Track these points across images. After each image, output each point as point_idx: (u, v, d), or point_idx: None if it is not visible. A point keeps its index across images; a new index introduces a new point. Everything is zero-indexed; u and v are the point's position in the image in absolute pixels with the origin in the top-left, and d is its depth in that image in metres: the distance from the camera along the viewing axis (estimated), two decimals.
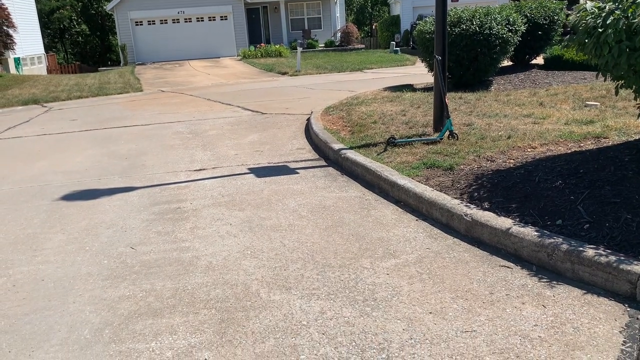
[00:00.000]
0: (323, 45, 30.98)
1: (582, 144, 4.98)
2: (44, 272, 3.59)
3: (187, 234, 4.13)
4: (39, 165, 6.79)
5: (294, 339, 2.64)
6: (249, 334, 2.71)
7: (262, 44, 28.31)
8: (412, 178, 4.62)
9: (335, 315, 2.83)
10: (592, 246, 3.03)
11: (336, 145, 6.10)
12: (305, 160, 6.21)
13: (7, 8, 20.85)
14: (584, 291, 2.89)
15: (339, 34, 31.65)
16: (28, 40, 25.00)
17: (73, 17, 45.20)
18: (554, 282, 3.01)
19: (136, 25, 29.22)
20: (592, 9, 3.80)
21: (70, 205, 5.04)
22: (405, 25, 32.02)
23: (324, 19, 33.22)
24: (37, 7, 29.25)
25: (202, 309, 2.98)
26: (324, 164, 6.01)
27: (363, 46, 31.68)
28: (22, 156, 7.47)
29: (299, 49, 21.82)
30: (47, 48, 33.68)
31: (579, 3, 4.07)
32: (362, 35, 41.52)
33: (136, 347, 2.66)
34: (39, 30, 28.51)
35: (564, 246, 3.08)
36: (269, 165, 6.06)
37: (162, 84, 17.67)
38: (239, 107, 10.90)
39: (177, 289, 3.23)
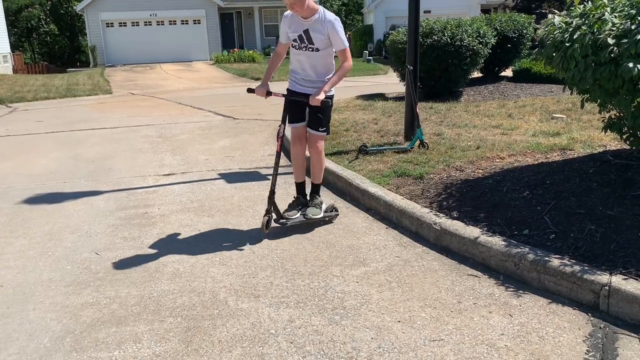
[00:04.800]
0: None
1: (548, 156, 5.08)
2: (4, 278, 3.47)
3: (154, 239, 4.04)
4: (1, 167, 6.59)
5: (261, 348, 2.61)
6: (216, 342, 2.66)
7: (235, 49, 28.19)
8: (383, 186, 4.63)
9: (304, 323, 2.80)
10: (557, 256, 3.09)
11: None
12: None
13: None
14: (550, 300, 2.93)
15: None
16: None
17: (41, 17, 44.23)
18: (521, 292, 3.05)
19: (107, 26, 28.75)
20: (559, 23, 3.89)
21: (33, 209, 4.89)
22: (378, 35, 32.35)
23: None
24: (3, 5, 28.51)
25: (168, 317, 2.92)
26: None
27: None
28: None
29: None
30: (14, 47, 32.83)
31: (547, 18, 4.15)
32: None
33: (98, 356, 2.58)
34: (5, 29, 27.74)
35: (531, 256, 3.12)
36: (240, 171, 6.01)
37: (132, 86, 17.41)
38: (211, 111, 10.81)
39: (142, 296, 3.16)
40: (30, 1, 43.20)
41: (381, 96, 11.15)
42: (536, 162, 4.86)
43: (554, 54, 3.89)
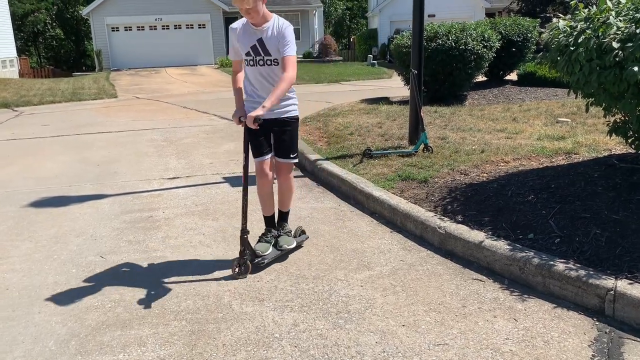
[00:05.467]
0: (301, 56, 31.05)
1: (553, 160, 5.07)
2: (9, 281, 3.48)
3: (159, 243, 4.06)
4: (7, 171, 6.62)
5: (265, 351, 2.61)
6: (220, 346, 2.67)
7: None
8: (388, 190, 4.63)
9: (308, 327, 2.80)
10: (562, 260, 3.08)
11: (313, 156, 6.10)
12: None
13: None
14: (555, 305, 2.92)
15: (317, 46, 31.80)
16: None
17: (47, 21, 44.49)
18: (526, 296, 3.04)
19: (112, 30, 28.90)
20: (564, 27, 3.89)
21: (39, 212, 4.91)
22: (382, 38, 32.37)
23: (303, 30, 33.37)
24: (10, 9, 28.70)
25: (172, 320, 2.93)
26: (300, 174, 5.99)
27: (341, 58, 31.88)
28: None
29: None
30: (20, 51, 33.04)
31: (552, 22, 4.15)
32: (340, 47, 41.82)
33: (103, 359, 2.59)
34: (12, 33, 27.93)
35: (535, 260, 3.11)
36: None
37: (137, 90, 17.47)
38: (216, 115, 10.84)
39: (147, 300, 3.16)
40: (37, 6, 43.47)
41: (385, 100, 11.15)
42: (541, 166, 4.85)
43: (558, 58, 3.88)
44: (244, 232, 3.44)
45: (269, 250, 3.63)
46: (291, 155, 3.62)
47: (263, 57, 3.39)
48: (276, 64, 3.39)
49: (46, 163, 7.01)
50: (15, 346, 2.73)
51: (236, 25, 3.45)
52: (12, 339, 2.79)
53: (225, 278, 3.41)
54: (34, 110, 13.28)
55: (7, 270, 3.66)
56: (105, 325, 2.90)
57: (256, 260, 3.52)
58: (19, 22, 40.03)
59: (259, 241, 3.69)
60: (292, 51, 3.34)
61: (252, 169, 3.45)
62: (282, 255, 3.71)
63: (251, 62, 3.42)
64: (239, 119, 3.43)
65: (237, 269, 3.41)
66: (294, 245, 3.77)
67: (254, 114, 3.19)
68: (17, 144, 8.58)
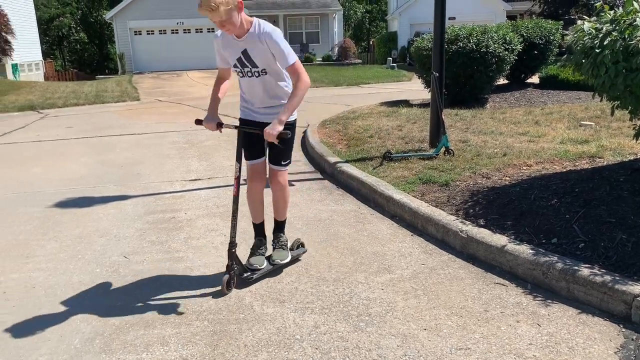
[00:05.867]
0: (320, 59, 31.15)
1: (577, 163, 5.00)
2: (36, 280, 3.55)
3: (181, 244, 4.10)
4: (33, 172, 6.75)
5: (287, 353, 2.62)
6: (242, 347, 2.68)
7: None
8: (408, 193, 4.62)
9: (329, 329, 2.81)
10: (587, 265, 3.03)
11: (332, 159, 6.11)
12: (301, 173, 6.21)
13: (6, 14, 20.89)
14: (579, 310, 2.88)
15: (336, 49, 31.85)
16: (26, 46, 25.01)
17: (72, 25, 45.32)
18: (549, 301, 3.01)
19: (135, 34, 29.31)
20: (589, 29, 3.84)
21: (64, 213, 5.00)
22: (402, 41, 32.30)
23: (322, 33, 33.46)
24: (36, 14, 29.31)
25: (195, 320, 2.95)
26: (320, 177, 6.01)
27: (360, 61, 31.89)
28: (16, 162, 7.43)
29: None
30: (45, 55, 33.70)
31: (575, 24, 4.10)
32: (360, 50, 41.81)
33: (127, 358, 2.63)
34: (38, 37, 28.53)
35: (559, 265, 3.08)
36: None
37: (159, 93, 17.69)
38: (236, 118, 10.89)
39: (169, 300, 3.20)
40: (62, 10, 44.33)
41: (405, 103, 11.12)
42: (564, 170, 4.79)
43: (583, 60, 3.83)
44: (233, 245, 3.22)
45: (263, 265, 3.41)
46: (282, 162, 3.42)
47: (250, 69, 3.17)
48: (264, 73, 3.18)
49: (70, 164, 7.13)
50: (42, 343, 2.78)
51: (218, 33, 3.21)
52: (39, 337, 2.85)
53: (246, 279, 3.43)
54: (58, 112, 13.53)
55: (34, 269, 3.74)
56: (129, 324, 2.94)
57: (245, 275, 3.32)
58: (45, 27, 40.84)
59: (252, 254, 3.48)
60: (293, 58, 3.09)
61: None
62: (301, 258, 3.71)
63: (240, 74, 3.26)
64: (217, 124, 3.27)
65: (226, 286, 3.20)
66: (288, 260, 3.54)
67: (274, 131, 3.01)
68: (42, 145, 8.75)
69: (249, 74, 3.21)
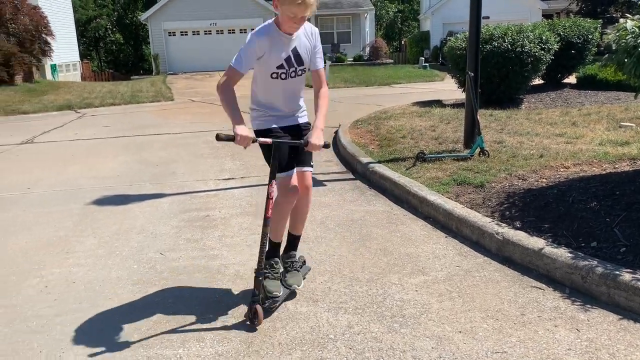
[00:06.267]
0: (352, 59, 31.11)
1: (617, 165, 4.87)
2: (75, 275, 3.65)
3: (216, 242, 4.15)
4: (71, 170, 6.93)
5: (320, 352, 2.62)
6: (276, 345, 2.70)
7: None
8: (442, 194, 4.57)
9: (363, 330, 2.80)
10: (629, 270, 2.95)
11: (364, 159, 6.09)
12: (333, 173, 6.21)
13: (46, 17, 21.48)
14: (620, 316, 2.81)
15: (368, 49, 31.76)
16: (65, 47, 25.69)
17: (108, 27, 46.39)
18: (588, 306, 2.94)
19: (169, 35, 29.82)
20: (632, 28, 3.73)
21: (101, 210, 5.12)
22: (434, 41, 32.00)
23: (354, 33, 33.42)
24: (74, 16, 30.08)
25: (230, 317, 2.99)
26: (352, 177, 6.00)
27: (391, 61, 31.72)
28: (55, 160, 7.64)
29: (328, 63, 21.94)
30: (82, 56, 34.54)
31: (618, 22, 3.99)
32: (391, 50, 41.59)
33: (164, 353, 2.67)
34: (76, 39, 29.29)
35: (599, 269, 3.00)
36: None
37: (192, 93, 17.94)
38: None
39: (205, 297, 3.24)
40: (99, 12, 45.41)
41: (438, 103, 11.01)
42: (604, 172, 4.67)
43: (625, 60, 3.73)
44: (260, 273, 2.88)
45: (281, 290, 3.06)
46: (311, 163, 3.17)
47: (296, 68, 2.96)
48: (304, 72, 3.03)
49: (107, 162, 7.29)
50: (82, 337, 2.85)
51: (261, 31, 2.88)
52: (79, 330, 2.92)
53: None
54: (95, 112, 13.85)
55: (73, 264, 3.84)
56: (166, 320, 2.99)
57: (266, 304, 2.97)
58: (82, 28, 41.92)
59: (267, 277, 3.07)
60: (322, 61, 3.04)
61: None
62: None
63: (282, 75, 2.94)
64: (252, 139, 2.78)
65: (253, 318, 2.86)
66: (302, 285, 3.20)
67: (319, 142, 2.83)
68: (80, 144, 8.97)
69: (293, 74, 2.97)
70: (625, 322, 2.76)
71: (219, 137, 2.76)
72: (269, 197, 2.89)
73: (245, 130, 2.75)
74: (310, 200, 3.24)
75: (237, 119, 2.79)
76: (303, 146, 2.89)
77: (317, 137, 2.85)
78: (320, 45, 3.03)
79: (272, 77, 2.94)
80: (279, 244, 3.20)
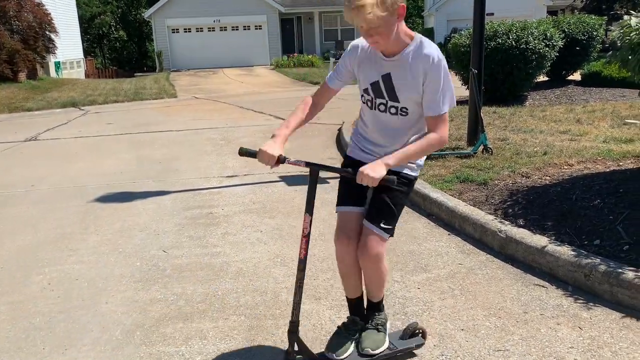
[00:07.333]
0: None
1: (621, 163, 4.85)
2: (78, 272, 3.66)
3: (218, 239, 4.16)
4: (75, 167, 6.95)
5: (323, 349, 2.62)
6: (278, 342, 2.71)
7: (295, 54, 28.52)
8: (445, 192, 4.56)
9: None
10: (632, 268, 2.94)
11: None
12: None
13: (50, 13, 21.49)
14: (623, 314, 2.80)
15: None
16: (68, 44, 25.70)
17: (112, 24, 46.43)
18: (591, 304, 2.93)
19: (172, 32, 29.80)
20: (636, 25, 3.72)
21: (104, 207, 5.13)
22: (439, 38, 31.91)
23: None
24: (78, 13, 30.11)
25: (232, 315, 2.99)
26: None
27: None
28: (59, 157, 7.66)
29: (332, 59, 21.91)
30: (86, 53, 34.59)
31: (621, 20, 3.97)
32: None
33: (166, 350, 2.68)
34: (79, 36, 29.30)
35: (602, 267, 2.99)
36: (299, 174, 6.07)
37: (196, 90, 17.94)
38: (271, 115, 10.98)
39: (207, 294, 3.25)
40: (103, 9, 45.45)
41: None
42: (608, 170, 4.65)
43: (629, 57, 3.72)
44: (294, 325, 2.29)
45: (347, 352, 2.44)
46: (382, 225, 2.39)
47: (386, 101, 2.27)
48: (404, 114, 2.27)
49: (110, 160, 7.31)
50: (85, 334, 2.87)
51: (358, 43, 2.33)
52: (82, 327, 2.94)
53: (283, 275, 3.46)
54: (99, 109, 13.87)
55: (76, 261, 3.85)
56: (168, 317, 3.00)
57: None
58: (86, 25, 41.94)
59: (336, 333, 2.54)
60: (447, 106, 2.21)
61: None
62: (416, 352, 2.60)
63: (369, 103, 2.34)
64: (278, 158, 2.27)
65: None
66: (382, 349, 2.46)
67: (373, 173, 2.09)
68: (83, 141, 8.99)
69: (382, 108, 2.30)
70: (628, 320, 2.75)
71: (241, 152, 2.33)
72: (302, 235, 2.35)
73: (272, 146, 2.26)
74: (376, 272, 2.46)
75: (277, 130, 2.34)
76: (352, 177, 2.18)
77: (372, 168, 2.11)
78: (437, 82, 2.16)
79: (361, 99, 2.39)
80: (353, 300, 2.60)
